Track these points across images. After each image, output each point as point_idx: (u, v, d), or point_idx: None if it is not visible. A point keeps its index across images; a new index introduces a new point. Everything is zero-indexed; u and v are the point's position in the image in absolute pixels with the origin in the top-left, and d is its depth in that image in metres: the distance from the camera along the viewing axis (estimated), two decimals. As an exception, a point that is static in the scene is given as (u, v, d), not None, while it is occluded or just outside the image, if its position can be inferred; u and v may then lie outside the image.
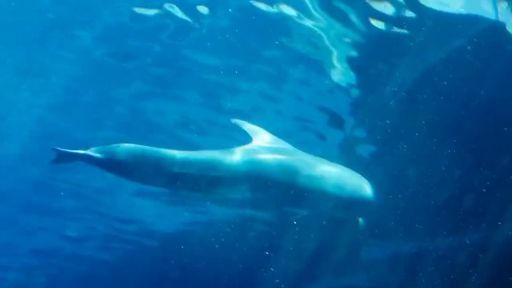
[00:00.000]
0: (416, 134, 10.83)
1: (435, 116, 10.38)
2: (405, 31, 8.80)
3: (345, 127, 11.70)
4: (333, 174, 8.36)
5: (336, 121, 11.50)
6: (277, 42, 9.34)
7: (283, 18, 8.76)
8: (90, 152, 7.73)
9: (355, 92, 10.64)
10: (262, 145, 8.35)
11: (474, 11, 8.16)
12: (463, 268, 14.52)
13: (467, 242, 14.01)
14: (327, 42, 9.27)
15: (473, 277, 14.39)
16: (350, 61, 9.74)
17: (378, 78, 10.07)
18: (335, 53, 9.52)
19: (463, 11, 8.19)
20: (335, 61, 9.73)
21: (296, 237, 14.99)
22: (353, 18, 8.64)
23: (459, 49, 8.87)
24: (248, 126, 8.88)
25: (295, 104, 11.14)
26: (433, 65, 9.34)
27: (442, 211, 13.14)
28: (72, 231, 20.24)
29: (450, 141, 11.17)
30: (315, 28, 8.94)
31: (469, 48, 8.78)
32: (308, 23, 8.82)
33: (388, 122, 10.89)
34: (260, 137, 8.56)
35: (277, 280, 18.00)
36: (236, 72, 10.14)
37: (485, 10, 8.09)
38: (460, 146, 11.27)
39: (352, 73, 10.06)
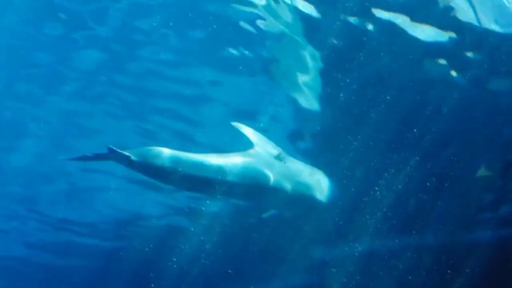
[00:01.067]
0: (359, 137, 11.24)
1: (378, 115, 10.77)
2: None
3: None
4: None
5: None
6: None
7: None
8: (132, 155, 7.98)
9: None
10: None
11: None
12: (412, 268, 15.02)
13: (415, 243, 14.51)
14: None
15: (421, 277, 14.93)
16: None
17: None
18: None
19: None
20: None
21: (249, 237, 15.20)
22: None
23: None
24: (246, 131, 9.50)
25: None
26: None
27: (390, 213, 13.54)
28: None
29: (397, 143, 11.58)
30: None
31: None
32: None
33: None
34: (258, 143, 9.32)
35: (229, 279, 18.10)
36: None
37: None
38: (407, 150, 11.72)
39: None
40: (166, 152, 8.13)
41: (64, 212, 17.96)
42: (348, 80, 9.81)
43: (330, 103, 10.66)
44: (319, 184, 10.10)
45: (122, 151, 7.86)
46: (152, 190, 14.86)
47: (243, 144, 9.22)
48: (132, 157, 7.88)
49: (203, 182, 8.29)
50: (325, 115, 11.03)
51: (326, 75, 10.05)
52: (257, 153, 9.04)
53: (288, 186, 9.17)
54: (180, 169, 8.02)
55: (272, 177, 8.88)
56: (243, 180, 8.62)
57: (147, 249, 18.50)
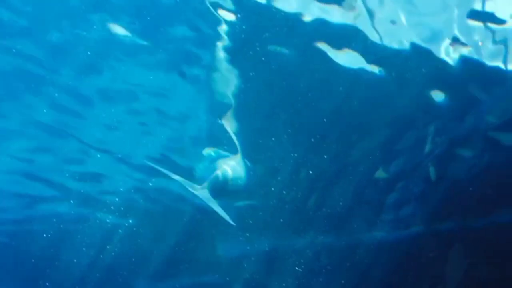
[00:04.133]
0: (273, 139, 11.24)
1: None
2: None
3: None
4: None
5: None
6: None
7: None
8: None
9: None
10: None
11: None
12: (314, 267, 15.25)
13: (317, 242, 14.71)
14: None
15: (321, 275, 15.17)
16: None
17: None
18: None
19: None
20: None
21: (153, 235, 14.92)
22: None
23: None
24: None
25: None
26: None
27: (293, 213, 13.65)
28: None
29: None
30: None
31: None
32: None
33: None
34: None
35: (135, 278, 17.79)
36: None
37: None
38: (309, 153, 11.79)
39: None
40: None
41: None
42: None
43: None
44: None
45: None
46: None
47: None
48: None
49: None
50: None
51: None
52: None
53: None
54: None
55: None
56: None
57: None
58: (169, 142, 11.99)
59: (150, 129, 11.53)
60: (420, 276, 14.75)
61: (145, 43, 8.92)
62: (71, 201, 15.41)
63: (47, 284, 20.16)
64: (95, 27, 8.56)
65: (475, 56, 8.82)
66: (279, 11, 8.04)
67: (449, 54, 8.84)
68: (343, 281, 15.26)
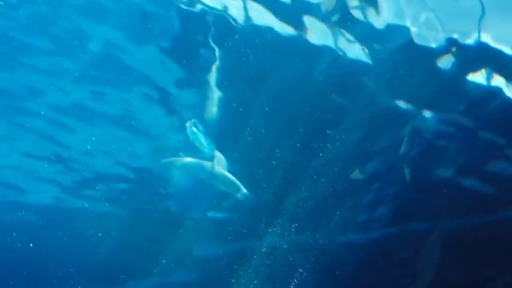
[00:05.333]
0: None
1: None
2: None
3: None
4: None
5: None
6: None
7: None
8: None
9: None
10: None
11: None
12: (288, 267, 15.23)
13: (291, 241, 14.69)
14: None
15: (296, 275, 15.16)
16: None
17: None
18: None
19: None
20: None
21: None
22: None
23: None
24: None
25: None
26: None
27: (268, 211, 13.60)
28: None
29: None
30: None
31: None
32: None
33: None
34: None
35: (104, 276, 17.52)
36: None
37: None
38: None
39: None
40: None
41: None
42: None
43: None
44: None
45: None
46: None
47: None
48: None
49: None
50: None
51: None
52: None
53: None
54: None
55: None
56: None
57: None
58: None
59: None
60: (393, 277, 14.85)
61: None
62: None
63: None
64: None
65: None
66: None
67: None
68: (316, 281, 15.28)
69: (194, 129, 10.86)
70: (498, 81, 9.62)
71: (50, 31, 8.87)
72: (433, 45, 9.02)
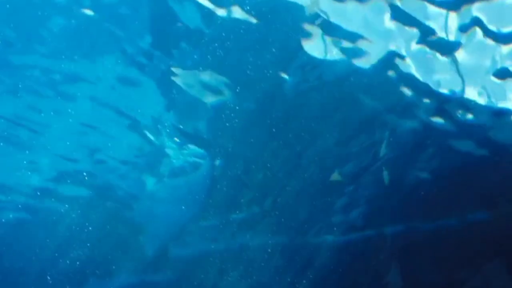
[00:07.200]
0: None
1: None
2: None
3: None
4: None
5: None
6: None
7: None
8: None
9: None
10: None
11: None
12: (265, 268, 15.17)
13: (269, 243, 14.64)
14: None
15: (272, 275, 15.12)
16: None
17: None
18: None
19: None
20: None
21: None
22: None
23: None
24: None
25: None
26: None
27: (244, 211, 13.53)
28: None
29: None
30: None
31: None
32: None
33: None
34: None
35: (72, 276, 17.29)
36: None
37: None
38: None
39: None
40: None
41: None
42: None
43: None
44: None
45: None
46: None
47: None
48: None
49: None
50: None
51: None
52: None
53: None
54: None
55: None
56: None
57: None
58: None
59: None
60: (369, 278, 14.87)
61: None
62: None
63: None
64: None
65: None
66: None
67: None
68: (292, 281, 15.26)
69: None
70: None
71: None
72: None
